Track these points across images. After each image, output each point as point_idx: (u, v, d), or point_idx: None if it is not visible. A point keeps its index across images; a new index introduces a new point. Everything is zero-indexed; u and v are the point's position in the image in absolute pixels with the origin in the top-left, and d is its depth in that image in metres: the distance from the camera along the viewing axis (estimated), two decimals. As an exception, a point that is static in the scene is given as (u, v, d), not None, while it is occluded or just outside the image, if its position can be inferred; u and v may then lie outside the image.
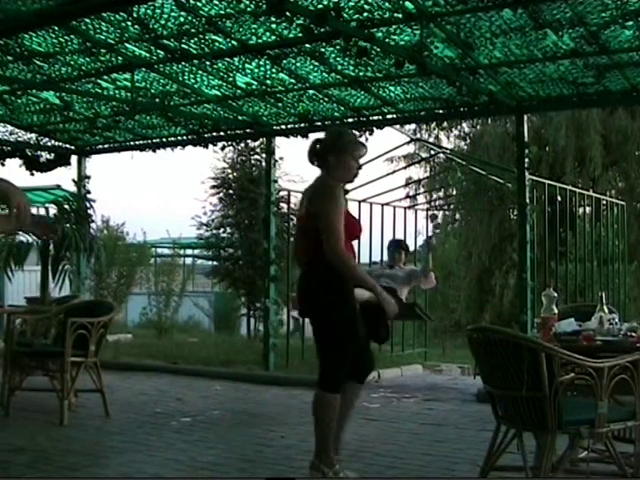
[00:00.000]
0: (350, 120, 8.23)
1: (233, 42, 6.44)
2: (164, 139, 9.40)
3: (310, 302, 4.20)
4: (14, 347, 6.32)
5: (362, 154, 4.24)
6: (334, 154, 4.13)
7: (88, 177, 10.12)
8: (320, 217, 4.01)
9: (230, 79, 7.38)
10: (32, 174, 9.77)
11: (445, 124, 19.42)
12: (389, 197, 10.62)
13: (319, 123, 8.45)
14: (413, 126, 17.65)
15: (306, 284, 4.22)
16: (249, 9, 5.80)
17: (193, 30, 6.24)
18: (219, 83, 7.53)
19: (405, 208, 11.09)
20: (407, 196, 12.77)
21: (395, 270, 7.90)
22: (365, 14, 5.74)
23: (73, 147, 9.99)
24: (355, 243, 4.46)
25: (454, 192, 17.88)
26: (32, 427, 5.83)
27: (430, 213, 11.77)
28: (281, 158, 11.15)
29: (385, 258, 8.75)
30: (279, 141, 9.06)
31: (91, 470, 4.76)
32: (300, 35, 6.13)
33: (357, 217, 4.37)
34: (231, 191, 14.50)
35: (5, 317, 7.41)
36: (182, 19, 6.06)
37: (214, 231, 14.87)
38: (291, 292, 10.32)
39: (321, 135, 4.38)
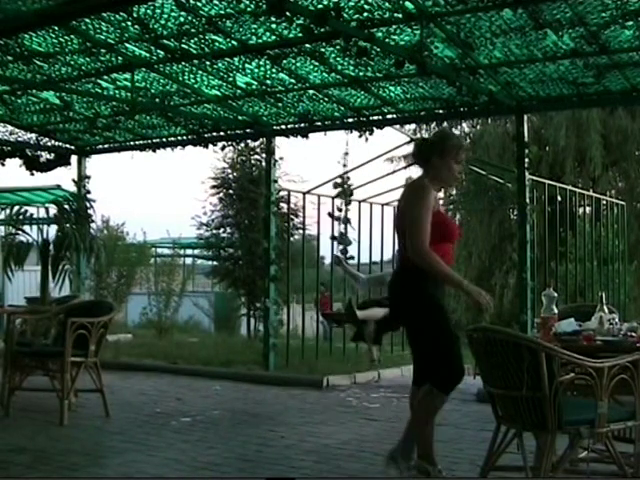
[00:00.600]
0: (350, 120, 8.23)
1: (233, 42, 6.44)
2: (164, 139, 9.40)
3: (402, 307, 4.21)
4: (14, 347, 6.32)
5: (464, 158, 4.30)
6: (438, 156, 4.15)
7: (88, 177, 10.12)
8: (406, 215, 4.06)
9: (230, 79, 7.38)
10: (32, 174, 9.78)
11: (445, 124, 19.39)
12: (389, 197, 10.62)
13: (319, 123, 8.45)
14: (413, 126, 17.64)
15: (396, 288, 4.24)
16: (249, 9, 5.80)
17: (193, 30, 6.24)
18: (219, 83, 7.53)
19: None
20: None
21: None
22: (365, 14, 5.74)
23: (73, 147, 9.99)
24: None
25: (454, 192, 17.88)
26: (32, 427, 5.83)
27: None
28: (281, 158, 11.10)
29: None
30: (279, 141, 9.07)
31: (91, 470, 4.76)
32: (300, 35, 6.13)
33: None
34: (231, 191, 14.52)
35: (5, 317, 7.41)
36: (182, 19, 6.06)
37: (214, 231, 14.89)
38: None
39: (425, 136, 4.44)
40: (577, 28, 5.84)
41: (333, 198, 9.57)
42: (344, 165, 9.64)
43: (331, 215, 9.53)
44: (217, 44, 6.50)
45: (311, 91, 7.64)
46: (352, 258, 9.62)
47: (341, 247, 9.53)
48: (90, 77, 7.45)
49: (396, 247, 7.92)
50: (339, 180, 9.60)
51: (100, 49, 6.68)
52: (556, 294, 4.39)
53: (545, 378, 3.29)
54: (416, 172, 4.33)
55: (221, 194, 14.67)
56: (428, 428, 4.16)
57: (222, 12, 5.91)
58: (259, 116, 8.44)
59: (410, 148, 19.02)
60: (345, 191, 9.58)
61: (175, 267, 15.77)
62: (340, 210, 9.58)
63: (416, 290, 4.08)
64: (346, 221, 9.59)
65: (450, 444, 5.33)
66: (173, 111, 8.35)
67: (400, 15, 5.78)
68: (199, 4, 5.81)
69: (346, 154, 9.63)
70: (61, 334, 6.17)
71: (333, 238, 9.52)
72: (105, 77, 7.44)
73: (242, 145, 13.17)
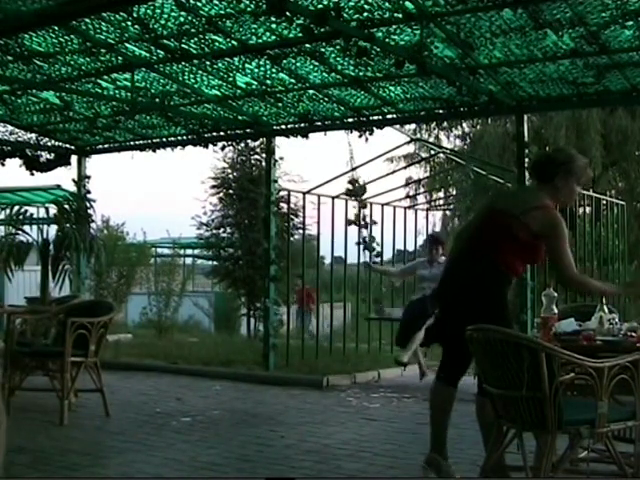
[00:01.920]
0: (350, 120, 8.23)
1: (233, 42, 6.44)
2: (164, 139, 9.39)
3: (465, 295, 4.16)
4: (14, 347, 6.32)
5: (586, 180, 4.34)
6: (563, 176, 4.13)
7: (88, 177, 10.12)
8: (552, 244, 4.05)
9: (230, 79, 7.38)
10: (32, 174, 9.77)
11: (445, 124, 19.43)
12: (389, 197, 10.63)
13: (319, 123, 8.45)
14: (413, 126, 17.65)
15: (464, 274, 4.20)
16: (249, 9, 5.80)
17: (193, 30, 6.24)
18: (219, 83, 7.53)
19: (405, 208, 11.09)
20: (407, 196, 12.75)
21: (434, 269, 8.04)
22: (365, 14, 5.74)
23: (73, 147, 9.98)
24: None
25: (454, 192, 17.88)
26: (32, 427, 5.83)
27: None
28: (281, 158, 11.11)
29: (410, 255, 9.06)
30: (279, 141, 9.07)
31: (91, 470, 4.77)
32: (300, 35, 6.13)
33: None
34: (231, 191, 14.52)
35: (5, 317, 7.40)
36: (182, 19, 6.06)
37: (214, 231, 14.90)
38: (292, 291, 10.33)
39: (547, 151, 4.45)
40: (577, 28, 5.84)
41: (333, 198, 9.56)
42: (353, 168, 9.67)
43: (353, 222, 9.64)
44: (217, 44, 6.50)
45: (311, 91, 7.64)
46: (379, 255, 9.77)
47: (367, 251, 9.62)
48: (90, 77, 7.45)
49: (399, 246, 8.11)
50: (349, 183, 9.62)
51: (100, 49, 6.68)
52: (556, 294, 4.38)
53: (545, 378, 3.29)
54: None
55: (221, 194, 14.67)
56: (444, 423, 4.19)
57: (222, 12, 5.91)
58: (259, 116, 8.44)
59: (410, 148, 18.92)
60: (357, 192, 9.62)
61: (175, 267, 15.76)
62: (358, 215, 9.65)
63: (499, 288, 4.13)
64: (366, 225, 9.67)
65: (450, 444, 5.29)
66: (173, 111, 8.35)
67: (400, 15, 5.78)
68: (199, 4, 5.81)
69: (351, 157, 9.67)
70: (61, 334, 6.17)
71: (359, 244, 9.62)
72: (105, 77, 7.44)
73: (242, 145, 13.20)
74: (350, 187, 9.56)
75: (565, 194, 4.18)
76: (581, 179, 4.20)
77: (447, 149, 16.08)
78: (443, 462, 4.17)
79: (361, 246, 9.65)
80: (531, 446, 3.68)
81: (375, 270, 9.57)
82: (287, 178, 13.42)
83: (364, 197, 9.78)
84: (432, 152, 15.73)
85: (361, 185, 9.61)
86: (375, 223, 9.91)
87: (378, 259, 9.93)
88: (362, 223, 9.67)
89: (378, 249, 9.76)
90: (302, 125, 8.49)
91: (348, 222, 9.63)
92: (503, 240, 4.11)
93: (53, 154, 9.87)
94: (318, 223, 9.86)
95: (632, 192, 18.00)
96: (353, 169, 9.76)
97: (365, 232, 9.69)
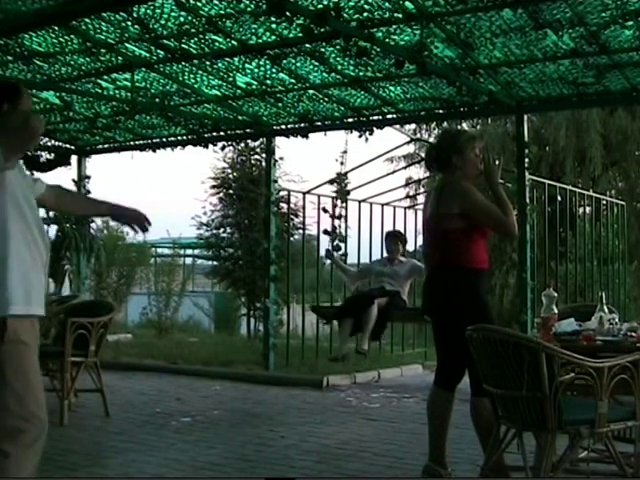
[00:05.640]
0: (350, 120, 8.23)
1: (233, 42, 6.44)
2: (164, 139, 9.40)
3: (443, 307, 4.19)
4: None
5: (480, 147, 4.30)
6: (456, 154, 4.18)
7: (88, 177, 10.12)
8: (474, 212, 4.07)
9: (230, 79, 7.38)
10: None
11: (445, 124, 19.39)
12: (389, 197, 10.63)
13: (319, 123, 8.45)
14: (413, 126, 17.64)
15: (436, 288, 4.25)
16: (249, 9, 5.80)
17: (193, 30, 6.24)
18: (219, 83, 7.53)
19: (405, 208, 11.09)
20: (407, 196, 12.75)
21: (395, 266, 7.92)
22: (365, 14, 5.74)
23: (73, 147, 9.99)
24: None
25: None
26: (32, 427, 5.83)
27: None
28: (281, 158, 11.16)
29: (384, 251, 8.78)
30: (279, 141, 9.08)
31: (91, 470, 4.77)
32: (300, 35, 6.13)
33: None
34: (231, 191, 14.50)
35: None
36: (182, 19, 6.06)
37: (214, 231, 14.87)
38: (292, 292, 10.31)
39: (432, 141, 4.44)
40: (577, 28, 5.84)
41: (333, 198, 9.56)
42: (341, 163, 9.60)
43: (325, 210, 9.47)
44: (217, 44, 6.50)
45: (311, 91, 7.64)
46: (345, 255, 9.54)
47: (333, 242, 9.38)
48: (90, 77, 7.45)
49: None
50: (335, 177, 9.54)
51: (100, 49, 6.68)
52: (556, 294, 4.38)
53: (545, 378, 3.29)
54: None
55: (221, 194, 14.64)
56: (442, 431, 4.17)
57: (222, 12, 5.91)
58: (259, 116, 8.44)
59: (410, 148, 18.97)
60: (341, 188, 9.54)
61: (175, 267, 15.75)
62: (335, 206, 9.51)
63: (472, 289, 4.12)
64: (339, 217, 9.50)
65: (450, 444, 5.29)
66: (173, 111, 8.35)
67: (400, 15, 5.78)
68: (199, 4, 5.82)
69: (344, 152, 9.58)
70: (61, 334, 6.16)
71: (325, 232, 9.43)
72: (105, 77, 7.44)
73: (242, 145, 13.18)
74: (335, 188, 9.47)
75: (468, 168, 4.20)
76: (474, 149, 4.23)
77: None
78: (443, 471, 4.14)
79: (327, 235, 9.43)
80: (531, 446, 3.68)
81: (334, 261, 9.02)
82: (287, 178, 13.42)
83: (349, 196, 9.67)
84: (432, 152, 15.69)
85: (344, 189, 9.50)
86: (341, 216, 9.49)
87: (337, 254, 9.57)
88: (328, 210, 9.47)
89: (338, 243, 9.47)
90: (302, 125, 8.49)
91: (324, 210, 9.41)
92: (446, 241, 4.14)
93: (53, 154, 9.87)
94: (318, 223, 9.85)
95: (632, 192, 17.98)
96: (353, 169, 9.75)
97: (339, 223, 9.47)
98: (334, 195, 9.58)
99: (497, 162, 4.26)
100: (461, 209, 4.07)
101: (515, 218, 4.23)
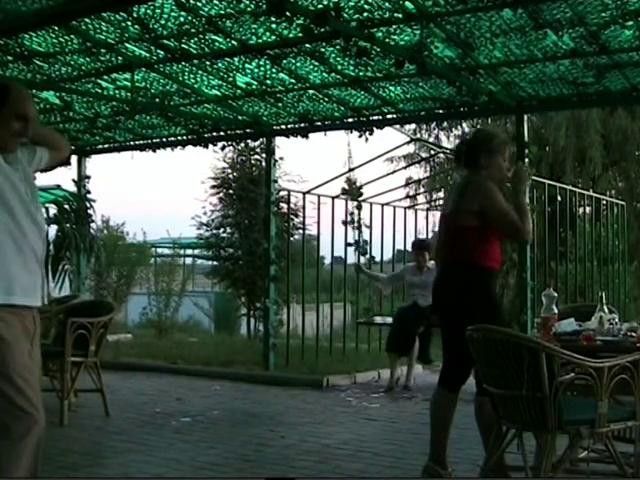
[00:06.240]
0: (350, 120, 8.23)
1: (233, 42, 6.43)
2: (164, 139, 9.40)
3: (454, 305, 4.19)
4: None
5: (510, 155, 4.38)
6: (486, 154, 4.21)
7: (88, 177, 10.12)
8: (491, 212, 4.08)
9: (230, 79, 7.37)
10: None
11: (445, 124, 19.41)
12: (389, 197, 10.63)
13: (319, 123, 8.45)
14: (413, 126, 17.64)
15: (448, 286, 4.24)
16: (249, 9, 5.79)
17: (193, 30, 6.23)
18: (219, 83, 7.52)
19: (405, 208, 11.10)
20: (407, 196, 12.75)
21: (424, 274, 8.00)
22: (365, 14, 5.73)
23: (73, 147, 9.97)
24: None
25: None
26: (32, 427, 5.82)
27: None
28: (281, 158, 11.16)
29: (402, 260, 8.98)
30: (279, 141, 9.08)
31: (91, 470, 4.77)
32: (300, 35, 6.13)
33: None
34: (231, 191, 14.49)
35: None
36: (182, 19, 6.05)
37: (214, 231, 14.86)
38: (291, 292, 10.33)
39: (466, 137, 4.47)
40: (577, 28, 5.83)
41: (333, 198, 9.56)
42: (350, 169, 9.65)
43: (345, 223, 9.59)
44: (217, 44, 6.49)
45: (311, 91, 7.63)
46: (373, 258, 9.70)
47: (359, 252, 9.56)
48: (90, 77, 7.44)
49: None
50: (346, 183, 9.59)
51: (100, 49, 6.67)
52: (556, 294, 4.38)
53: (545, 378, 3.29)
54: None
55: (221, 194, 14.63)
56: (444, 432, 4.17)
57: (222, 12, 5.90)
58: (259, 116, 8.44)
59: (410, 148, 18.96)
60: (354, 193, 9.59)
61: (175, 267, 15.75)
62: (352, 214, 9.61)
63: (484, 288, 4.14)
64: (359, 227, 9.62)
65: (450, 444, 5.30)
66: (173, 111, 8.35)
67: (400, 15, 5.78)
68: (199, 4, 5.81)
69: (349, 157, 9.64)
70: (61, 334, 6.17)
71: (348, 245, 9.56)
72: (105, 77, 7.43)
73: (242, 145, 13.18)
74: (346, 187, 9.53)
75: (494, 171, 4.23)
76: (504, 154, 4.28)
77: (447, 149, 16.07)
78: (443, 472, 4.14)
79: (352, 247, 9.58)
80: (531, 446, 3.68)
81: (364, 273, 9.34)
82: (287, 178, 13.41)
83: (360, 198, 9.75)
84: (432, 152, 15.73)
85: (357, 187, 9.58)
86: (368, 227, 9.82)
87: (364, 259, 9.79)
88: (356, 225, 9.63)
89: (365, 246, 9.65)
90: (302, 125, 8.49)
91: (343, 222, 9.59)
92: (463, 238, 4.15)
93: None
94: (318, 223, 9.87)
95: (632, 192, 17.97)
96: (352, 169, 9.76)
97: (357, 234, 9.63)
98: (333, 196, 9.58)
99: (528, 173, 4.32)
100: (480, 207, 4.08)
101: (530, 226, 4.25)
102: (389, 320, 8.71)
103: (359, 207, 9.68)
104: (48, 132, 3.63)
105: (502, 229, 4.17)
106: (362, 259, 9.51)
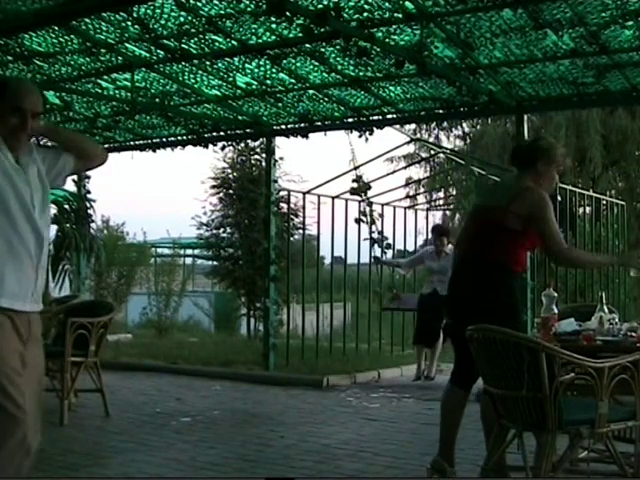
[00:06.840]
0: (350, 120, 8.23)
1: (233, 42, 6.44)
2: (164, 139, 9.39)
3: (474, 300, 4.14)
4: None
5: (564, 169, 4.43)
6: (545, 161, 4.19)
7: (88, 177, 10.11)
8: (539, 222, 4.05)
9: (230, 79, 7.38)
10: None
11: (445, 124, 19.43)
12: (389, 197, 10.63)
13: (319, 123, 8.45)
14: (413, 126, 17.66)
15: (473, 281, 4.19)
16: (249, 9, 5.80)
17: (193, 30, 6.24)
18: (219, 83, 7.53)
19: (405, 208, 11.10)
20: (407, 196, 12.75)
21: (442, 260, 8.11)
22: (365, 14, 5.74)
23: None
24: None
25: (454, 192, 17.88)
26: (32, 427, 5.82)
27: None
28: (281, 158, 11.16)
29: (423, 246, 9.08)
30: (279, 141, 9.08)
31: (91, 470, 4.77)
32: (300, 35, 6.13)
33: None
34: (231, 191, 14.49)
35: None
36: (182, 19, 6.05)
37: (214, 231, 14.86)
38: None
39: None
40: (577, 28, 5.83)
41: (333, 198, 9.56)
42: (355, 168, 9.66)
43: (361, 220, 9.66)
44: (217, 44, 6.50)
45: (311, 91, 7.63)
46: (389, 247, 9.84)
47: (382, 246, 9.70)
48: (90, 77, 7.45)
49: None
50: (354, 181, 9.62)
51: (100, 49, 6.68)
52: (556, 294, 4.38)
53: (545, 378, 3.28)
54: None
55: (221, 194, 14.63)
56: (454, 429, 4.18)
57: (222, 12, 5.90)
58: (259, 116, 8.44)
59: (410, 148, 18.89)
60: (362, 189, 9.61)
61: (175, 267, 15.76)
62: (364, 214, 9.67)
63: (507, 287, 4.13)
64: (373, 222, 9.70)
65: (450, 444, 5.33)
66: (173, 111, 8.35)
67: (400, 15, 5.78)
68: (199, 4, 5.81)
69: (353, 155, 9.66)
70: (61, 334, 6.17)
71: (372, 241, 9.65)
72: (105, 77, 7.43)
73: (242, 145, 13.18)
74: (355, 185, 9.57)
75: (546, 180, 4.21)
76: (560, 167, 4.28)
77: (447, 149, 16.07)
78: (449, 468, 4.14)
79: (370, 242, 9.66)
80: (531, 446, 3.68)
81: (385, 263, 9.63)
82: (287, 178, 13.41)
83: (369, 195, 9.78)
84: (432, 152, 15.73)
85: (365, 183, 9.63)
86: (381, 217, 9.97)
87: (389, 253, 9.98)
88: (370, 220, 9.70)
89: (387, 241, 9.86)
90: (302, 125, 8.49)
91: (356, 220, 9.65)
92: (498, 236, 4.11)
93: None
94: (318, 223, 9.87)
95: (632, 192, 18.00)
96: (353, 169, 9.75)
97: (374, 228, 9.72)
98: (334, 196, 9.58)
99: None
100: (529, 212, 4.05)
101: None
102: (412, 300, 8.87)
103: (370, 204, 9.72)
104: (81, 139, 3.55)
105: (547, 246, 4.14)
106: (384, 254, 9.67)
